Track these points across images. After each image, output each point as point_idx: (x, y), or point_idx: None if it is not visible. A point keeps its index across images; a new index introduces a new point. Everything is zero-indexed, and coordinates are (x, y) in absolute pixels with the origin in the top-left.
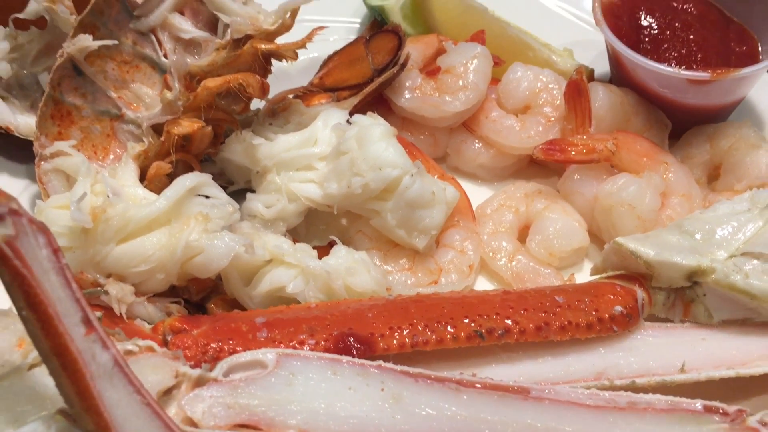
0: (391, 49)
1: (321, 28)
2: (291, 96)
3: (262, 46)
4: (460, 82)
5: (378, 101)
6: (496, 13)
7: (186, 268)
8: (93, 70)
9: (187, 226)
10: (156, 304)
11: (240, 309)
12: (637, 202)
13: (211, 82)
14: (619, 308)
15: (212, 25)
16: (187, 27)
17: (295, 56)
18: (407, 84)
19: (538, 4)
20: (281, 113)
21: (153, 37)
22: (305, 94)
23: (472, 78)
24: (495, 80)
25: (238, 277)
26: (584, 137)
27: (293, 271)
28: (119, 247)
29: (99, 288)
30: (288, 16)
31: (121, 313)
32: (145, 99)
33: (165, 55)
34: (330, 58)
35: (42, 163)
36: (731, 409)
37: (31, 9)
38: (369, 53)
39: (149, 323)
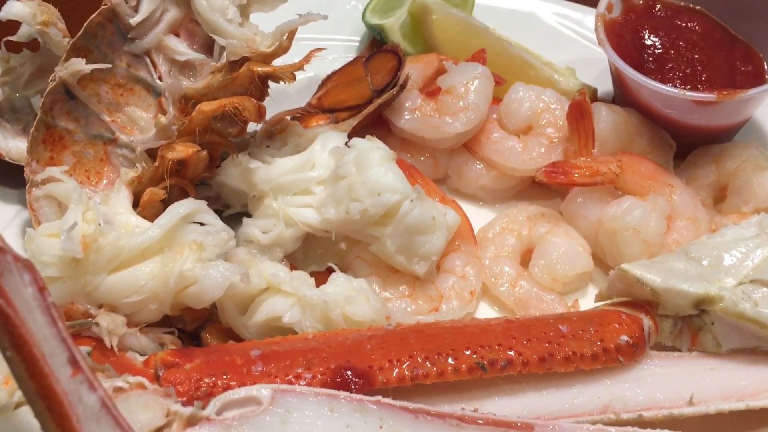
0: (390, 69)
1: (319, 49)
2: (288, 117)
3: (259, 69)
4: (461, 103)
5: (377, 122)
6: (497, 31)
7: (179, 298)
8: (86, 93)
9: (180, 255)
10: (149, 335)
11: (235, 338)
12: (642, 226)
13: (207, 106)
14: (624, 338)
15: (208, 46)
16: (182, 49)
17: (293, 78)
18: (407, 105)
19: (539, 22)
20: (278, 135)
21: (148, 60)
22: (303, 116)
23: (473, 98)
24: (496, 100)
25: (234, 306)
26: (588, 159)
27: (290, 300)
28: (111, 276)
29: (90, 319)
30: (285, 37)
31: (112, 346)
32: (140, 122)
33: (160, 78)
34: (328, 78)
35: (33, 189)
36: None
37: (24, 32)
38: (368, 73)
39: (141, 354)
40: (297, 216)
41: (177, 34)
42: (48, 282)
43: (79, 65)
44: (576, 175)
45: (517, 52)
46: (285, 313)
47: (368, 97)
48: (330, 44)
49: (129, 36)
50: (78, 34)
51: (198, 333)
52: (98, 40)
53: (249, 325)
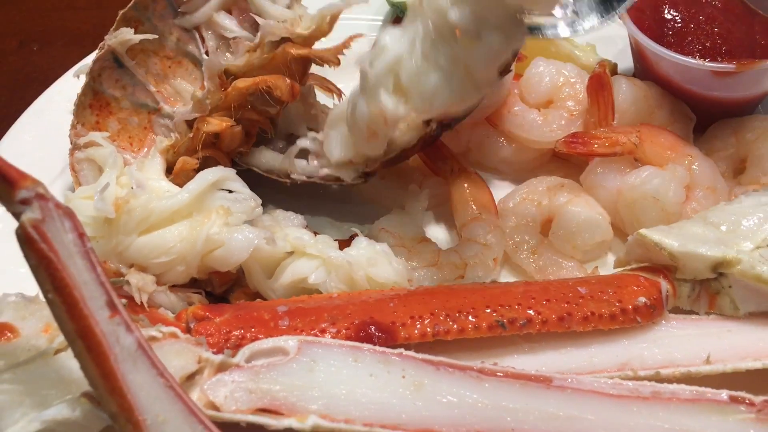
0: None
1: (358, 35)
2: None
3: (293, 51)
4: None
5: None
6: None
7: (206, 260)
8: (134, 63)
9: (208, 219)
10: (178, 294)
11: (263, 300)
12: (661, 194)
13: (241, 83)
14: (642, 299)
15: (258, 25)
16: (231, 26)
17: (337, 61)
18: None
19: None
20: None
21: (197, 35)
22: None
23: None
24: (517, 75)
25: (260, 269)
26: (607, 130)
27: (315, 262)
28: (141, 238)
29: (121, 278)
30: (327, 21)
31: (142, 302)
32: (185, 95)
33: (207, 53)
34: None
35: (76, 152)
36: (758, 399)
37: None
38: None
39: (171, 312)
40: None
41: (229, 11)
42: None
43: (128, 35)
44: (595, 146)
45: None
46: (310, 274)
47: None
48: (354, 23)
49: (179, 10)
50: (129, 5)
51: (226, 297)
52: (149, 12)
53: (275, 288)
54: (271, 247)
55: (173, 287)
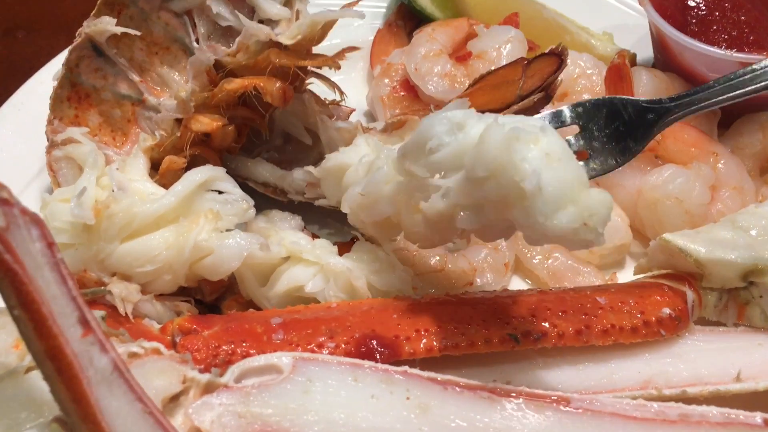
0: (547, 74)
1: (353, 48)
2: (427, 113)
3: (276, 59)
4: (493, 68)
5: (406, 88)
6: None
7: (195, 269)
8: (115, 51)
9: (196, 224)
10: (165, 303)
11: (256, 309)
12: (685, 195)
13: (229, 84)
14: (667, 310)
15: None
16: (225, 14)
17: (337, 66)
18: (436, 70)
19: None
20: (395, 131)
21: (187, 20)
22: None
23: (505, 63)
24: None
25: (253, 277)
26: None
27: (312, 269)
28: (124, 245)
29: (103, 287)
30: (320, 28)
31: (126, 313)
32: (172, 84)
33: (197, 40)
34: (482, 76)
35: (53, 150)
36: None
37: None
38: (523, 77)
39: (158, 322)
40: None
41: None
42: (60, 249)
43: (109, 25)
44: None
45: (551, 16)
46: (307, 282)
47: (510, 102)
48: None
49: None
50: None
51: (217, 305)
52: None
53: (270, 296)
54: (264, 254)
55: (160, 296)
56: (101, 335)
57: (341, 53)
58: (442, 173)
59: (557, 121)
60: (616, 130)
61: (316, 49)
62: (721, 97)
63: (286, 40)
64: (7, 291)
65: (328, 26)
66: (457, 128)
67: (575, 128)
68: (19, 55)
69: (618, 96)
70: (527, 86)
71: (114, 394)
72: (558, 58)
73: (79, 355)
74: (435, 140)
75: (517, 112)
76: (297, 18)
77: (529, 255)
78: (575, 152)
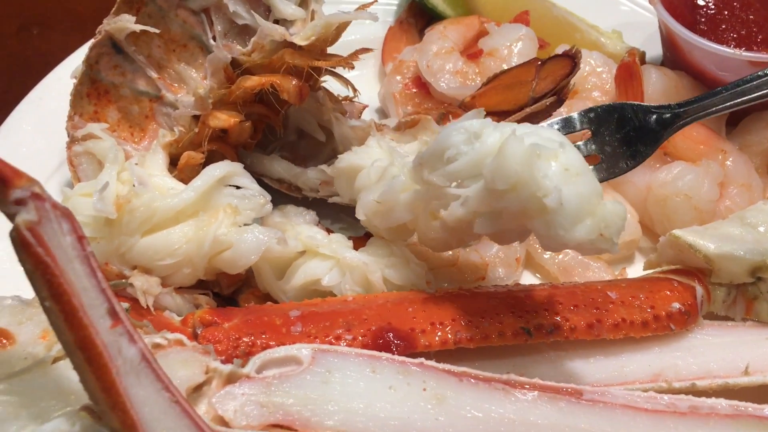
0: (560, 76)
1: (367, 50)
2: (437, 112)
3: (290, 59)
4: (504, 66)
5: (418, 85)
6: None
7: (214, 263)
8: (134, 48)
9: (215, 218)
10: (184, 296)
11: (273, 303)
12: (694, 191)
13: (246, 81)
14: (676, 305)
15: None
16: (242, 12)
17: (351, 66)
18: (448, 67)
19: None
20: (408, 129)
21: (204, 18)
22: (448, 114)
23: (517, 61)
24: None
25: (270, 270)
26: None
27: (328, 262)
28: (144, 238)
29: (124, 280)
30: (334, 29)
31: (147, 305)
32: (189, 81)
33: (214, 38)
34: (496, 76)
35: (73, 145)
36: None
37: None
38: (536, 78)
39: (178, 315)
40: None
41: None
42: None
43: (128, 23)
44: None
45: (561, 14)
46: (324, 276)
47: (523, 103)
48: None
49: None
50: None
51: (234, 298)
52: None
53: (286, 290)
54: (282, 248)
55: (179, 289)
56: (129, 326)
57: (355, 54)
58: (460, 181)
59: (570, 126)
60: (627, 135)
61: (330, 49)
62: (729, 103)
63: (300, 41)
64: (39, 283)
65: (342, 27)
66: (474, 137)
67: (587, 133)
68: (34, 51)
69: (629, 102)
70: (540, 88)
71: (142, 383)
72: (571, 60)
73: (108, 345)
74: (453, 149)
75: (529, 115)
76: (312, 18)
77: (540, 250)
78: (586, 156)
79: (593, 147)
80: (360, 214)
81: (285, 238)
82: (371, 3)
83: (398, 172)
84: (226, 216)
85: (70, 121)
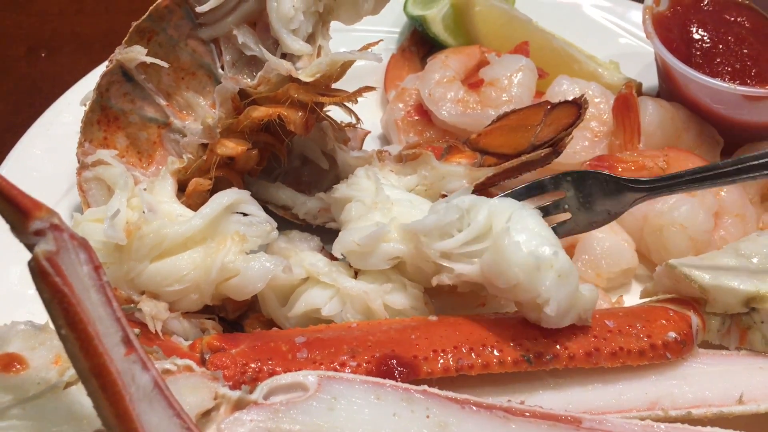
0: (563, 126)
1: (370, 88)
2: (446, 145)
3: (295, 94)
4: (504, 96)
5: (420, 113)
6: (540, 24)
7: (221, 289)
8: (144, 77)
9: (223, 245)
10: (191, 320)
11: (278, 328)
12: (689, 222)
13: (254, 112)
14: (672, 334)
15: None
16: (250, 44)
17: (355, 101)
18: (449, 96)
19: (582, 16)
20: (409, 162)
21: (214, 48)
22: (450, 148)
23: (517, 91)
24: (539, 93)
25: (274, 297)
26: (633, 153)
27: (329, 291)
28: (153, 264)
29: (132, 305)
30: (339, 67)
31: (156, 330)
32: (197, 108)
33: (222, 67)
34: (505, 114)
35: (83, 171)
36: None
37: None
38: (543, 123)
39: (184, 339)
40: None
41: (254, 24)
42: None
43: (140, 55)
44: (621, 170)
45: (560, 45)
46: (323, 305)
47: (522, 149)
48: (370, 35)
49: (198, 21)
50: (143, 17)
51: (239, 322)
52: (165, 23)
53: (289, 317)
54: (287, 276)
55: (186, 313)
56: (143, 354)
57: (359, 92)
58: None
59: (549, 187)
60: (597, 199)
61: None
62: (697, 185)
63: (305, 78)
64: (56, 311)
65: (347, 65)
66: (467, 213)
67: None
68: (42, 74)
69: (602, 172)
70: (542, 135)
71: (154, 409)
72: (577, 109)
73: (122, 372)
74: (448, 227)
75: (524, 164)
76: (318, 54)
77: None
78: (562, 212)
79: (566, 205)
80: (336, 251)
81: (290, 266)
82: (376, 42)
83: (381, 218)
84: (233, 243)
85: (80, 148)
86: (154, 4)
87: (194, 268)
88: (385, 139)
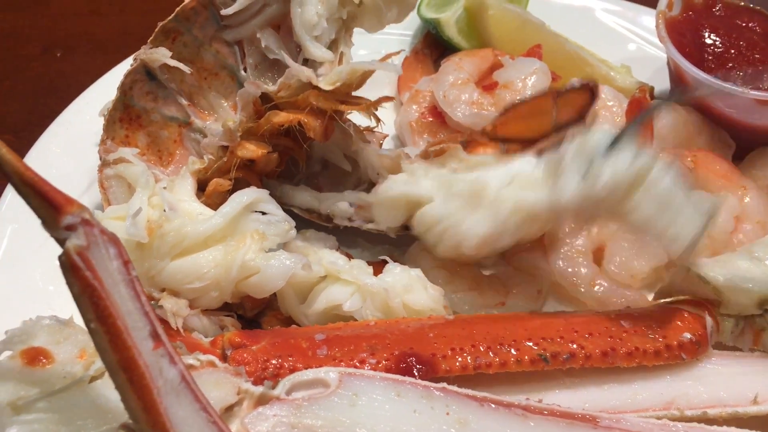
0: (580, 106)
1: (389, 98)
2: (459, 141)
3: (314, 101)
4: (518, 98)
5: (434, 115)
6: (552, 28)
7: (241, 287)
8: (166, 76)
9: (243, 243)
10: (210, 317)
11: (296, 325)
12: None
13: (275, 117)
14: (687, 335)
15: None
16: (273, 47)
17: (373, 113)
18: (464, 98)
19: (593, 20)
20: (436, 158)
21: (237, 49)
22: (470, 141)
23: (531, 94)
24: None
25: (294, 295)
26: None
27: (349, 288)
28: (174, 262)
29: (153, 302)
30: (359, 76)
31: (177, 327)
32: (218, 109)
33: (245, 69)
34: (513, 105)
35: (105, 168)
36: None
37: None
38: (555, 108)
39: (204, 336)
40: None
41: (278, 27)
42: None
43: (163, 56)
44: None
45: (573, 49)
46: (345, 301)
47: (546, 131)
48: (384, 37)
49: (223, 23)
50: (170, 17)
51: (257, 320)
52: (190, 23)
53: (308, 314)
54: (306, 273)
55: (205, 311)
56: (170, 348)
57: (378, 102)
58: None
59: None
60: None
61: None
62: None
63: (325, 86)
64: (86, 305)
65: (367, 75)
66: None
67: None
68: (57, 73)
69: None
70: (561, 117)
71: (181, 403)
72: (588, 89)
73: (150, 366)
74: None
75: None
76: (340, 61)
77: (573, 285)
78: None
79: None
80: (458, 249)
81: (309, 263)
82: (398, 53)
83: (495, 196)
84: (253, 242)
85: (102, 145)
86: (181, 6)
87: (215, 266)
88: (399, 141)
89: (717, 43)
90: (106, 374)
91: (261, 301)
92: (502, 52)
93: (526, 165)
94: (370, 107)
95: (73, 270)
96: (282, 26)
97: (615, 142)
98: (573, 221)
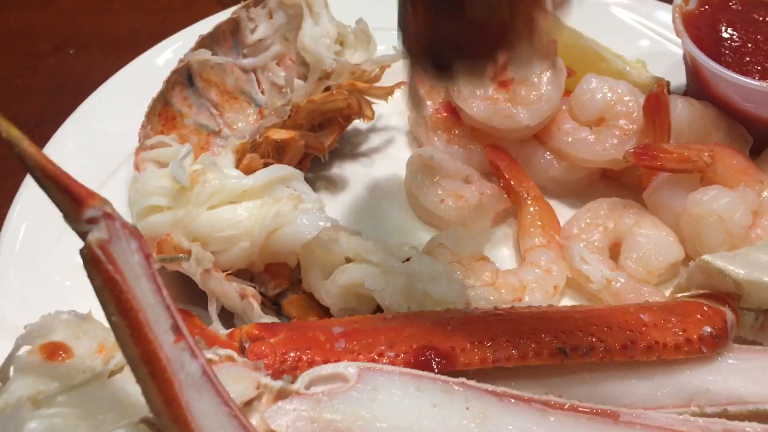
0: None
1: (404, 83)
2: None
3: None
4: (534, 94)
5: (448, 110)
6: (567, 23)
7: (271, 239)
8: (202, 85)
9: (279, 202)
10: (232, 283)
11: (315, 305)
12: (727, 214)
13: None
14: (708, 329)
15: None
16: (281, 76)
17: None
18: (479, 93)
19: (608, 14)
20: None
21: (254, 76)
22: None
23: (546, 89)
24: (567, 92)
25: (318, 267)
26: (679, 145)
27: (375, 269)
28: (210, 212)
29: (180, 255)
30: (378, 70)
31: (197, 279)
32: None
33: (262, 92)
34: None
35: (142, 151)
36: None
37: None
38: None
39: (222, 301)
40: None
41: (278, 65)
42: (150, 210)
43: (206, 55)
44: (663, 161)
45: (588, 44)
46: (368, 278)
47: None
48: (391, 34)
49: (243, 51)
50: (208, 32)
51: (277, 301)
52: (219, 45)
53: (329, 289)
54: (333, 244)
55: (228, 275)
56: (192, 342)
57: (393, 88)
58: None
59: None
60: None
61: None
62: None
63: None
64: (108, 299)
65: (384, 68)
66: None
67: None
68: (70, 71)
69: None
70: None
71: (203, 397)
72: None
73: (171, 359)
74: None
75: None
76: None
77: (590, 281)
78: None
79: None
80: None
81: (339, 224)
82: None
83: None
84: (289, 200)
85: (143, 129)
86: (218, 23)
87: (249, 216)
88: (413, 137)
89: (734, 37)
90: (126, 369)
91: (283, 280)
92: None
93: None
94: (387, 93)
95: (95, 263)
96: (282, 64)
97: None
98: None
